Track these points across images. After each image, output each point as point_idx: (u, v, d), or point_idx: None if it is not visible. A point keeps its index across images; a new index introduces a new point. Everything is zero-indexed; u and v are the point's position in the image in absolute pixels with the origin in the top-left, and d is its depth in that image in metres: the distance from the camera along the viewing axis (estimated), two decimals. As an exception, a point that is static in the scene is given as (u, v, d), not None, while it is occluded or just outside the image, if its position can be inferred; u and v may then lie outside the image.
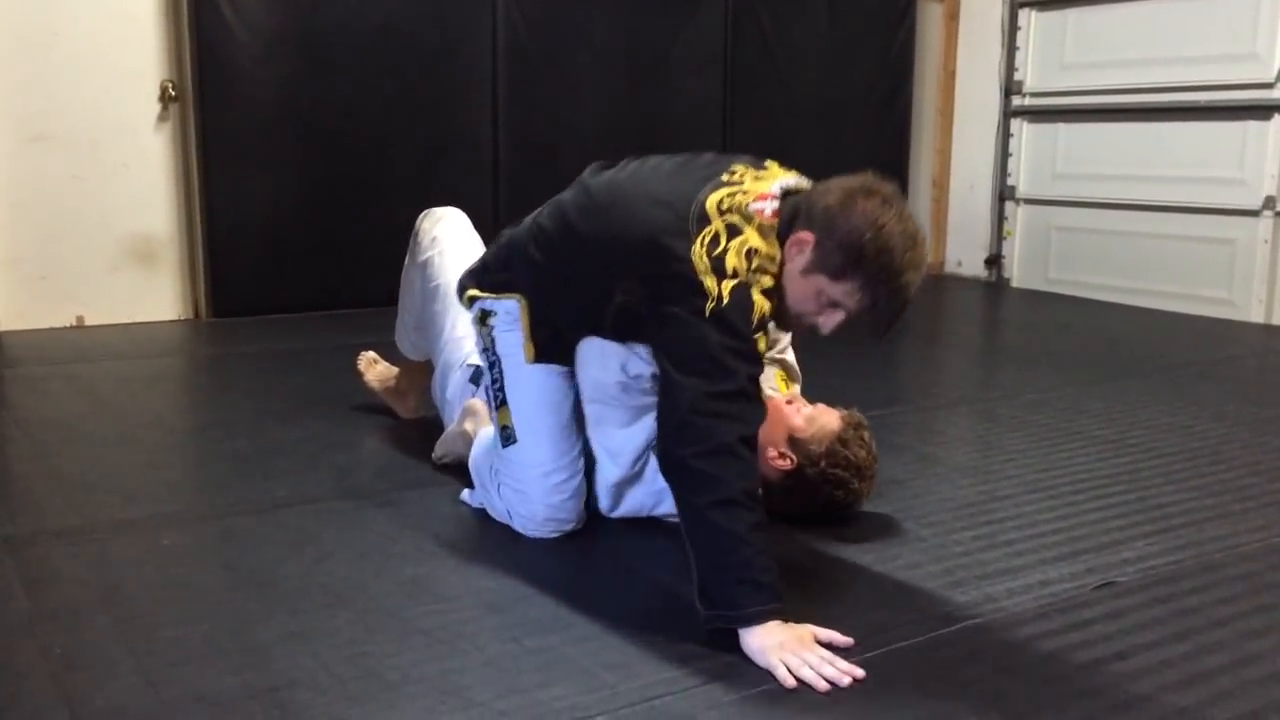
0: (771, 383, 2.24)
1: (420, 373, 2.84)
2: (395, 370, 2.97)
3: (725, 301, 1.74)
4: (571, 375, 2.10)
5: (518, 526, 2.12)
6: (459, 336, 2.54)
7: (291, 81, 4.49)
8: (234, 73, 4.36)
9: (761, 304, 1.77)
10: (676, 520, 2.14)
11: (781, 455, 2.11)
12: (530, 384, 2.08)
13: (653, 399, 1.95)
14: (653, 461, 2.02)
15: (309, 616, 1.77)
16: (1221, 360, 4.05)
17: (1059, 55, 5.54)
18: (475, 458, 2.28)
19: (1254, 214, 4.78)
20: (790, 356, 2.36)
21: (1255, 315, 4.79)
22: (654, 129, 5.26)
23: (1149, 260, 5.16)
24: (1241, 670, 1.64)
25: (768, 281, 1.80)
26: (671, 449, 1.74)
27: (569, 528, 2.12)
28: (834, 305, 1.83)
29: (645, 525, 2.18)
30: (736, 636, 1.65)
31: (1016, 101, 5.74)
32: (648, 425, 2.02)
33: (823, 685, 1.55)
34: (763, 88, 5.56)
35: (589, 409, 2.09)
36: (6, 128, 4.10)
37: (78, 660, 1.62)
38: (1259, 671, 1.64)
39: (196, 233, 4.46)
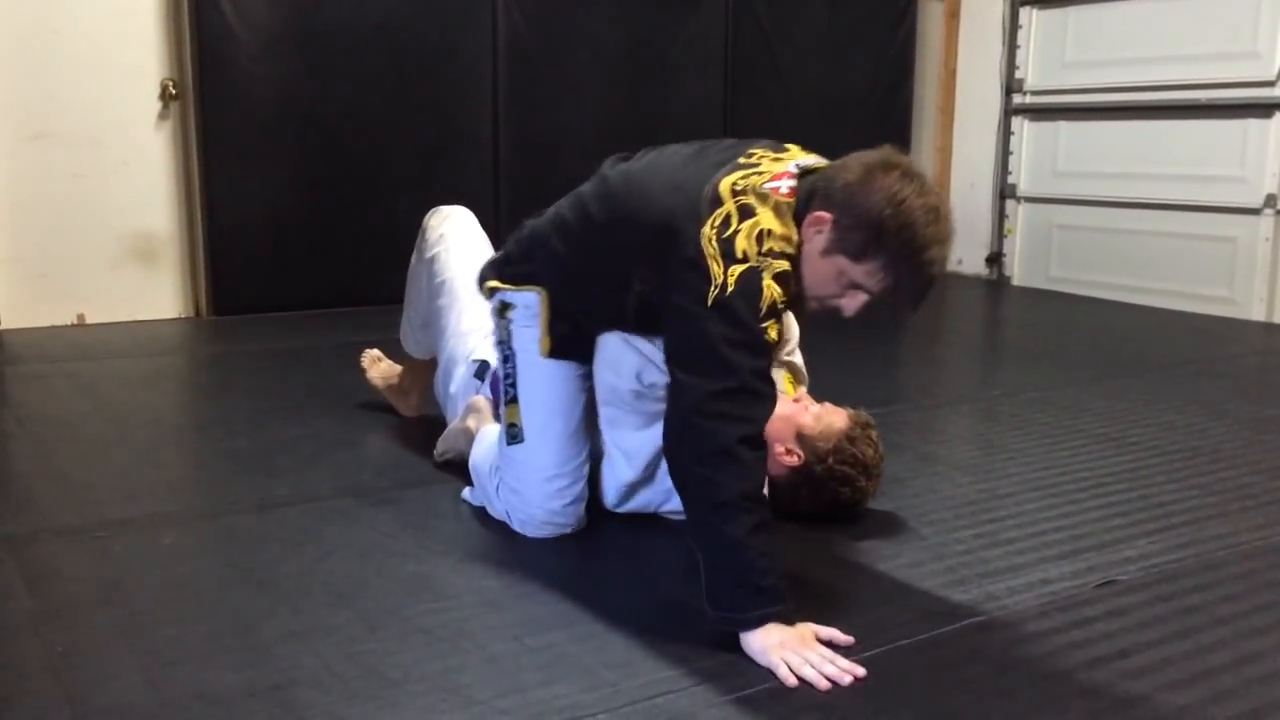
0: (779, 385, 2.24)
1: (423, 371, 2.84)
2: (398, 368, 2.97)
3: (730, 289, 1.69)
4: (587, 377, 2.08)
5: (516, 526, 2.12)
6: (463, 331, 2.54)
7: (292, 80, 4.48)
8: (234, 71, 4.36)
9: (771, 290, 1.71)
10: (680, 518, 2.16)
11: (789, 451, 2.12)
12: (543, 384, 2.07)
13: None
14: (663, 463, 2.01)
15: (310, 615, 1.77)
16: (1222, 358, 4.05)
17: (1060, 53, 5.54)
18: (476, 456, 2.27)
19: (1255, 212, 4.78)
20: (798, 358, 2.35)
21: (1256, 313, 4.79)
22: (654, 127, 5.23)
23: (1150, 258, 5.16)
24: (1242, 668, 1.64)
25: (781, 265, 1.73)
26: (673, 451, 1.73)
27: (567, 530, 2.11)
28: (856, 286, 1.77)
29: (648, 523, 2.18)
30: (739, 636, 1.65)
31: (1017, 99, 5.73)
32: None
33: (824, 684, 1.55)
34: (763, 86, 5.56)
35: (604, 410, 2.09)
36: (7, 126, 4.10)
37: (79, 658, 1.62)
38: (1260, 670, 1.64)
39: (197, 231, 4.46)
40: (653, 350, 1.98)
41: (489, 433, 2.29)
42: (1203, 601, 1.88)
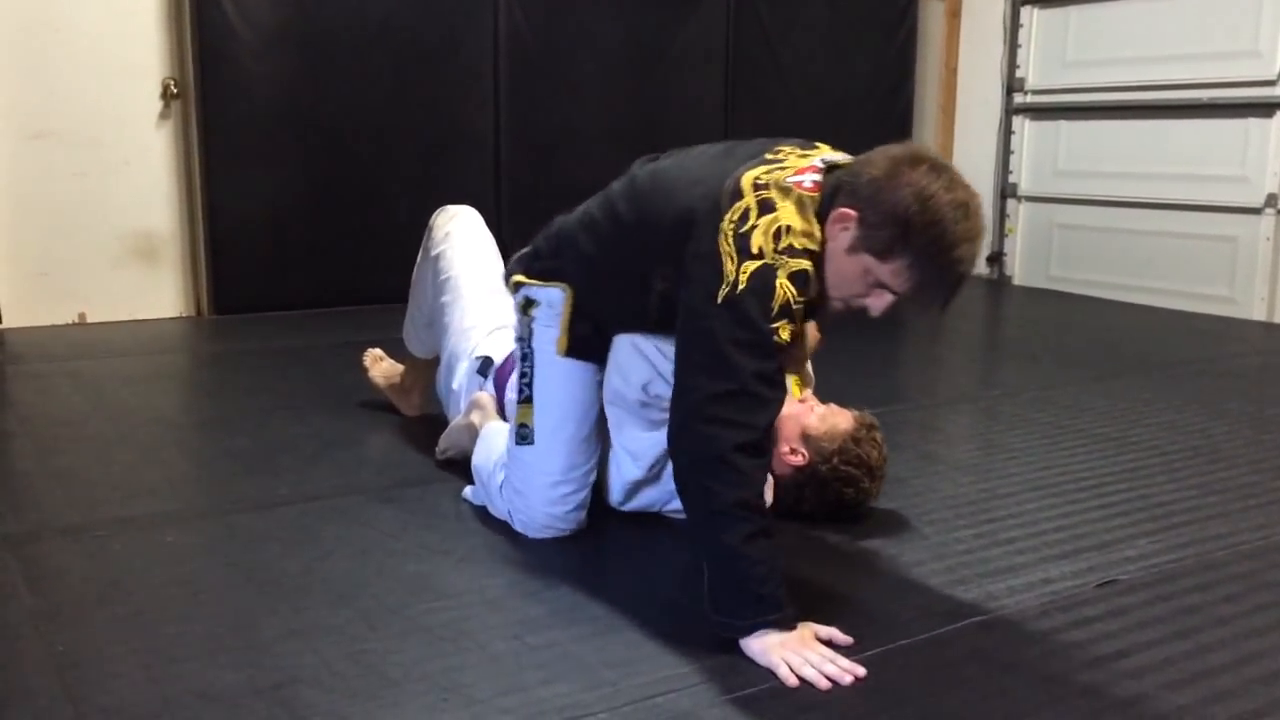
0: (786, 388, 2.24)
1: (425, 370, 2.84)
2: (400, 367, 2.97)
3: (741, 287, 1.65)
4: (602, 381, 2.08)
5: (517, 527, 2.12)
6: (466, 328, 2.54)
7: (293, 79, 4.48)
8: (235, 70, 4.36)
9: (785, 289, 1.66)
10: (682, 517, 2.16)
11: (794, 451, 2.12)
12: (559, 387, 2.05)
13: None
14: (668, 463, 2.01)
15: (311, 613, 1.77)
16: (1223, 358, 4.05)
17: (1061, 52, 5.54)
18: (478, 453, 2.27)
19: (1256, 211, 4.78)
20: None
21: (1257, 313, 4.79)
22: (655, 126, 5.26)
23: (1151, 258, 5.16)
24: (1243, 668, 1.64)
25: (799, 264, 1.67)
26: (674, 455, 1.72)
27: (566, 533, 2.11)
28: (882, 286, 1.70)
29: (649, 523, 2.18)
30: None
31: (1018, 99, 5.73)
32: None
33: (824, 683, 1.55)
34: (764, 85, 5.56)
35: (610, 411, 2.08)
36: (8, 125, 4.10)
37: (80, 657, 1.62)
38: (1260, 669, 1.64)
39: (198, 230, 4.46)
40: (663, 363, 1.96)
41: (493, 430, 2.28)
42: (1203, 601, 1.88)
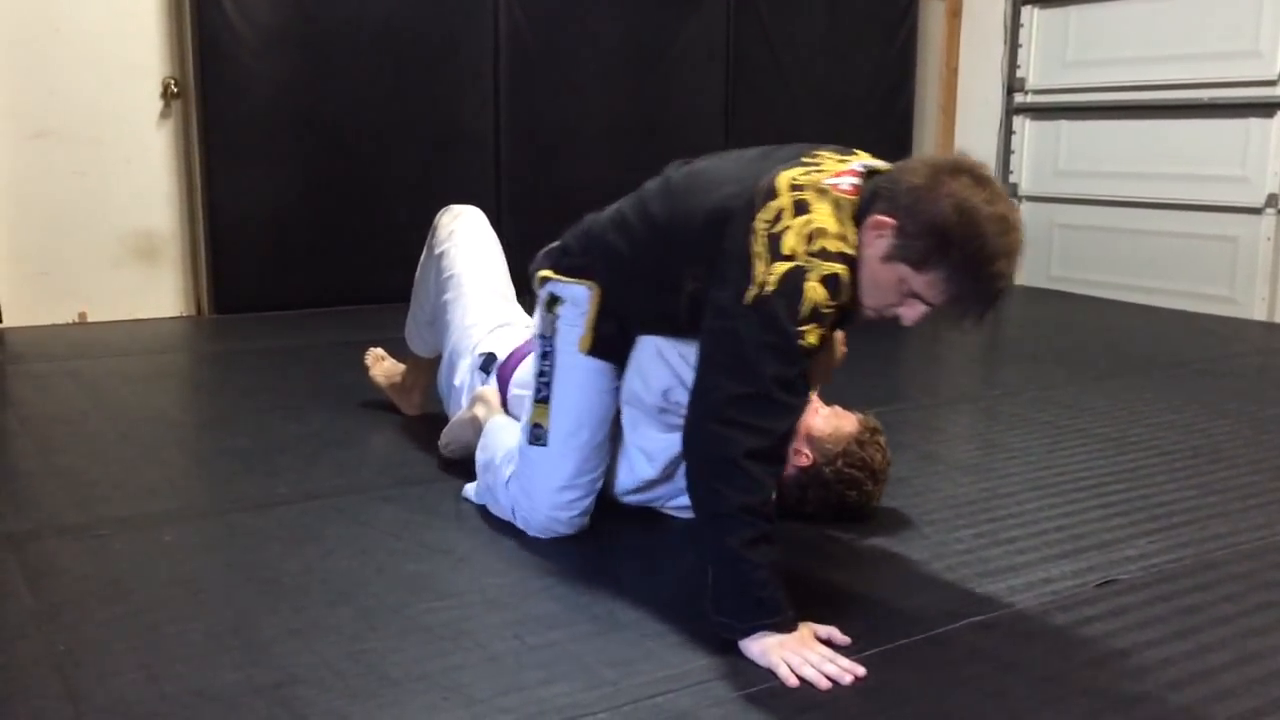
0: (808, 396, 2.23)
1: (426, 370, 2.84)
2: (401, 367, 2.97)
3: (770, 288, 1.63)
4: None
5: (519, 523, 2.12)
6: (468, 325, 2.53)
7: (293, 78, 4.49)
8: (236, 69, 4.36)
9: (814, 292, 1.63)
10: (683, 515, 2.16)
11: (798, 452, 2.12)
12: (578, 390, 2.02)
13: None
14: (683, 464, 2.00)
15: (311, 613, 1.77)
16: (1223, 358, 4.05)
17: (1061, 52, 5.54)
18: (484, 448, 2.25)
19: (1256, 211, 4.78)
20: None
21: (1257, 313, 4.79)
22: (655, 125, 5.26)
23: (1151, 258, 5.16)
24: (1243, 668, 1.64)
25: (832, 268, 1.65)
26: (687, 453, 1.71)
27: (565, 535, 2.09)
28: (916, 296, 1.69)
29: (649, 523, 2.18)
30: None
31: (1019, 99, 5.73)
32: None
33: (824, 683, 1.55)
34: (764, 84, 5.56)
35: (626, 410, 2.07)
36: (9, 124, 4.10)
37: (81, 656, 1.62)
38: (1261, 669, 1.64)
39: (199, 229, 4.47)
40: (685, 370, 1.95)
41: (499, 424, 2.27)
42: (1203, 601, 1.88)
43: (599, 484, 2.09)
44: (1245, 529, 2.22)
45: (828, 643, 1.65)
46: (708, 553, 1.68)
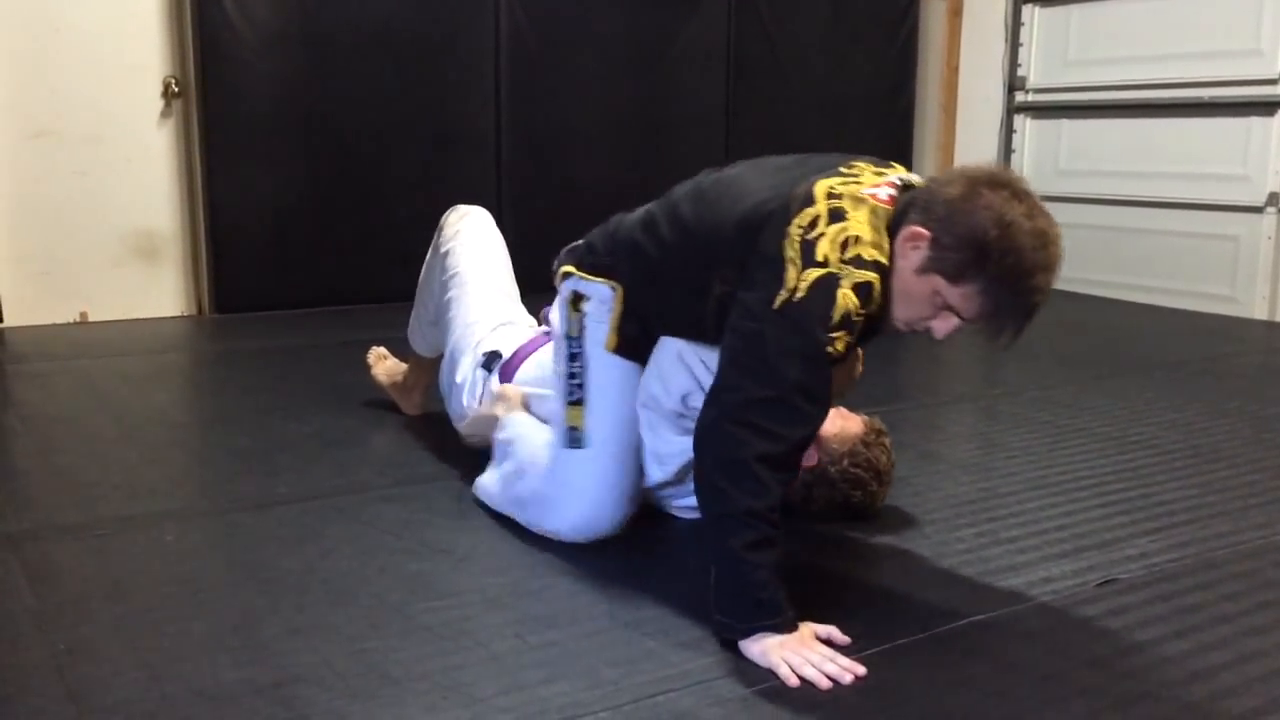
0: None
1: (429, 370, 2.84)
2: (403, 366, 2.97)
3: (800, 295, 1.62)
4: None
5: (547, 529, 2.06)
6: (470, 322, 2.53)
7: (294, 77, 4.49)
8: (237, 68, 4.36)
9: (847, 299, 1.62)
10: (685, 514, 2.16)
11: None
12: (615, 390, 1.99)
13: None
14: None
15: (312, 612, 1.78)
16: (1224, 357, 4.05)
17: (1062, 51, 5.54)
18: (507, 454, 2.19)
19: (1257, 210, 4.78)
20: None
21: (1258, 312, 4.79)
22: (656, 124, 5.26)
23: (1152, 257, 5.16)
24: (1244, 667, 1.64)
25: (865, 276, 1.64)
26: (698, 449, 1.70)
27: (604, 536, 2.05)
28: (949, 309, 1.68)
29: (651, 522, 2.18)
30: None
31: (1020, 97, 5.73)
32: None
33: (825, 683, 1.55)
34: (765, 83, 5.56)
35: (642, 414, 2.05)
36: (10, 124, 4.10)
37: (82, 655, 1.62)
38: (1261, 668, 1.64)
39: (199, 228, 4.47)
40: (706, 376, 1.93)
41: (523, 433, 2.20)
42: (1204, 600, 1.88)
43: (640, 481, 2.07)
44: (1246, 528, 2.22)
45: (828, 642, 1.65)
46: (710, 552, 1.68)
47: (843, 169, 1.78)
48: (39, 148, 4.15)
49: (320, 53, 4.51)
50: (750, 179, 1.86)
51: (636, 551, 2.08)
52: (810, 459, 2.13)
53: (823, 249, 1.65)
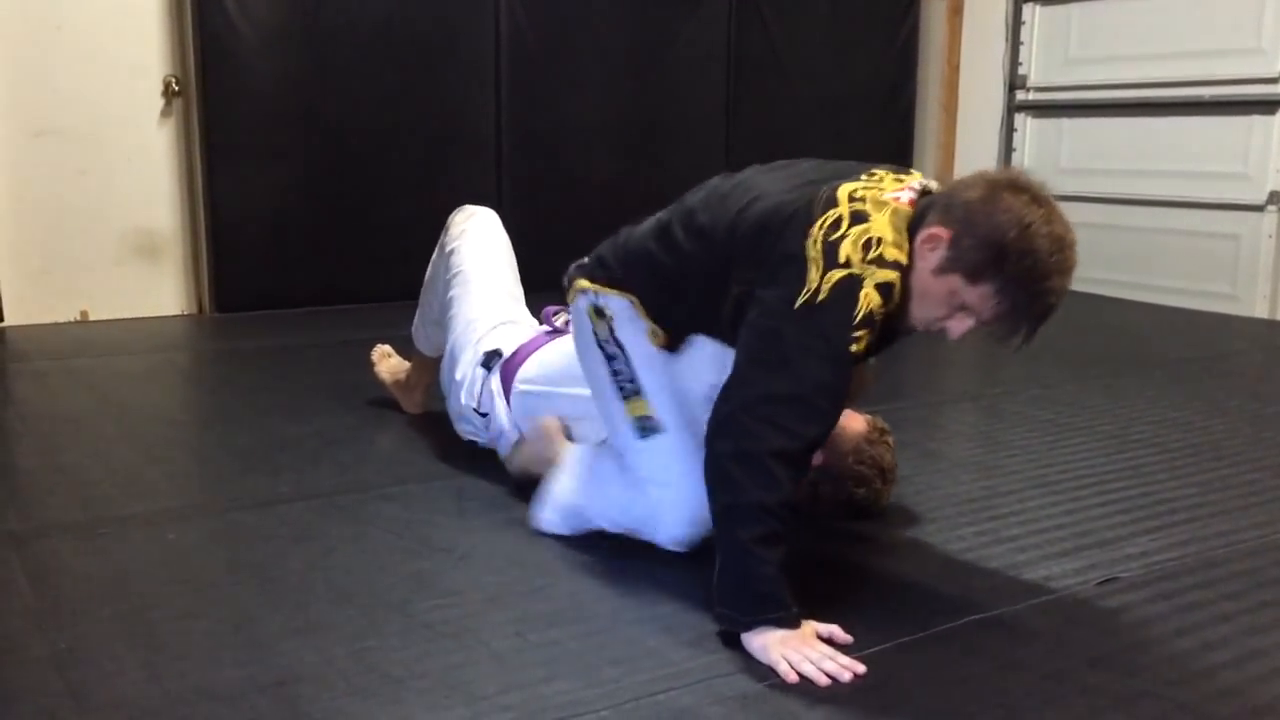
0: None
1: (431, 369, 2.84)
2: (407, 365, 2.98)
3: (821, 296, 1.64)
4: None
5: (662, 531, 1.98)
6: (472, 319, 2.52)
7: (295, 76, 4.49)
8: (237, 67, 4.36)
9: (870, 298, 1.64)
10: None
11: None
12: (666, 375, 1.97)
13: None
14: None
15: (313, 611, 1.78)
16: (1225, 355, 4.04)
17: (1063, 50, 5.54)
18: (575, 490, 2.11)
19: (1258, 209, 4.77)
20: None
21: (1259, 310, 4.79)
22: (657, 123, 5.26)
23: (1153, 255, 5.16)
24: (1244, 666, 1.64)
25: (887, 275, 1.66)
26: (710, 440, 1.70)
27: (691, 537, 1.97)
28: (966, 309, 1.70)
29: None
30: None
31: (1020, 96, 5.73)
32: None
33: (824, 680, 1.56)
34: (766, 82, 5.56)
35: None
36: (11, 122, 4.10)
37: (83, 654, 1.62)
38: (1262, 667, 1.64)
39: (200, 227, 4.47)
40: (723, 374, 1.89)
41: (584, 455, 2.13)
42: (1204, 599, 1.88)
43: None
44: (1246, 527, 2.22)
45: (829, 641, 1.65)
46: (719, 544, 1.68)
47: (864, 175, 1.80)
48: (40, 147, 4.16)
49: (320, 52, 4.51)
50: (769, 183, 1.86)
51: (636, 551, 2.08)
52: (816, 458, 2.13)
53: (845, 250, 1.66)
